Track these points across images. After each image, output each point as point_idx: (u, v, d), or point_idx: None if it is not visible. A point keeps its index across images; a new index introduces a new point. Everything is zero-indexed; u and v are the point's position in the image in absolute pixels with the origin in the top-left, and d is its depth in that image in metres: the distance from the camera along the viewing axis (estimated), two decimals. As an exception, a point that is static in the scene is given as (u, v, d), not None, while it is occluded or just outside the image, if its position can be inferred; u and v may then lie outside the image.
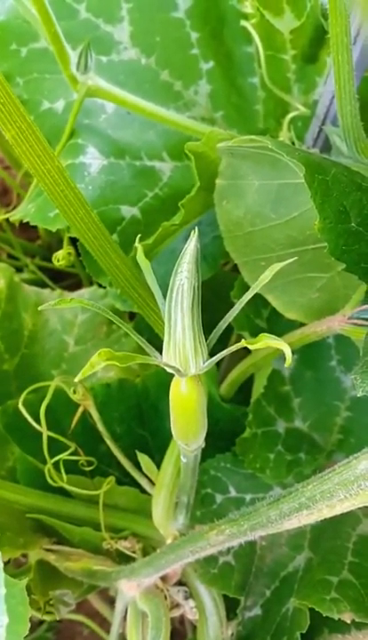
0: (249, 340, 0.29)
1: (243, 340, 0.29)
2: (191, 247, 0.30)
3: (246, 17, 0.49)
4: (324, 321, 0.45)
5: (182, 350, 0.31)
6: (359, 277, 0.39)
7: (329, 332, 0.45)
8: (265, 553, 0.58)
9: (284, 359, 0.62)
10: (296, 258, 0.41)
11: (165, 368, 0.31)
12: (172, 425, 0.35)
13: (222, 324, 0.32)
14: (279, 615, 0.53)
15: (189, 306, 0.30)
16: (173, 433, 0.36)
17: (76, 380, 0.26)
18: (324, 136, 0.48)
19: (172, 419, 0.35)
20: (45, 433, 0.48)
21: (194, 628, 0.56)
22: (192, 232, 0.31)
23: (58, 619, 0.52)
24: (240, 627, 0.54)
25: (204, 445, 0.39)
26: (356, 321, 0.42)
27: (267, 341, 0.27)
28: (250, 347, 0.28)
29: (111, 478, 0.50)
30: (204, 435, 0.37)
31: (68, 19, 0.54)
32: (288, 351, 0.26)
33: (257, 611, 0.55)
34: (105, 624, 0.69)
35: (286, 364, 0.27)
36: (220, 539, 0.42)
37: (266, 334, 0.28)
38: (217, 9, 0.54)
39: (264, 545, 0.58)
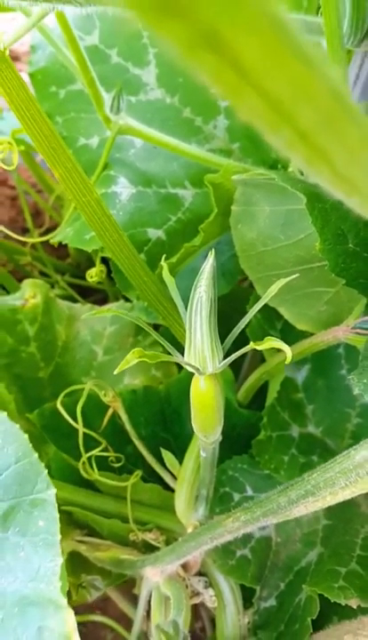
0: (257, 342, 0.35)
1: (251, 342, 0.34)
2: (208, 265, 0.36)
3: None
4: (330, 331, 0.50)
5: (201, 352, 0.37)
6: (359, 292, 0.45)
7: (335, 340, 0.50)
8: (280, 549, 0.63)
9: (298, 369, 0.68)
10: (300, 275, 0.47)
11: (187, 367, 0.37)
12: (192, 419, 0.41)
13: (236, 330, 0.38)
14: (292, 606, 0.58)
15: (207, 315, 0.36)
16: (194, 427, 0.42)
17: (116, 372, 0.32)
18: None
19: (192, 414, 0.41)
20: (81, 430, 0.53)
21: (212, 616, 0.61)
22: (210, 252, 0.37)
23: (89, 600, 0.58)
24: (256, 616, 0.59)
25: (221, 439, 0.44)
26: (358, 330, 0.48)
27: (271, 343, 0.33)
28: (258, 348, 0.34)
29: (138, 472, 0.56)
30: (220, 428, 0.42)
31: (102, 63, 0.61)
32: (288, 350, 0.32)
33: (272, 602, 0.60)
34: (130, 628, 0.74)
35: (286, 362, 0.32)
36: (236, 525, 0.47)
37: (271, 337, 0.34)
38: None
39: (279, 541, 0.63)
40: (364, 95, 0.49)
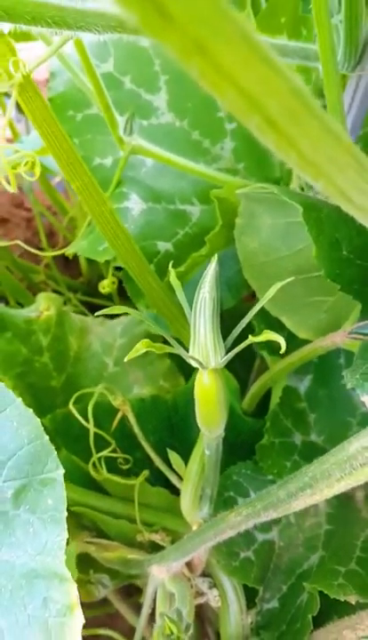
0: (255, 336, 0.38)
1: (250, 336, 0.38)
2: (212, 269, 0.40)
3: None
4: (329, 336, 0.53)
5: (204, 348, 0.40)
6: (353, 297, 0.48)
7: (333, 345, 0.53)
8: (282, 552, 0.65)
9: (301, 379, 0.70)
10: (300, 284, 0.50)
11: (191, 361, 0.40)
12: (196, 414, 0.44)
13: (238, 328, 0.41)
14: (294, 607, 0.60)
15: (210, 313, 0.40)
16: (198, 421, 0.45)
17: (126, 359, 0.35)
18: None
19: (196, 408, 0.44)
20: (92, 429, 0.56)
21: (216, 616, 0.62)
22: (213, 258, 0.41)
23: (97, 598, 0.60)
24: (258, 616, 0.61)
25: (223, 434, 0.47)
26: (354, 335, 0.51)
27: (267, 336, 0.36)
28: (255, 340, 0.37)
29: (145, 472, 0.58)
30: (223, 423, 0.45)
31: (116, 89, 0.66)
32: (282, 341, 0.35)
33: (274, 603, 0.62)
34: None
35: (281, 352, 0.36)
36: (238, 520, 0.50)
37: (267, 330, 0.37)
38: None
39: (282, 545, 0.65)
40: (358, 117, 0.53)
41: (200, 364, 0.40)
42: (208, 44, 0.11)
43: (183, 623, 0.46)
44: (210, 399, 0.42)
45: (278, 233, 0.51)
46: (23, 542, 0.32)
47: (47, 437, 0.33)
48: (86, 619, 0.87)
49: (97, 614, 0.85)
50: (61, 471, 0.32)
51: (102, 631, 0.75)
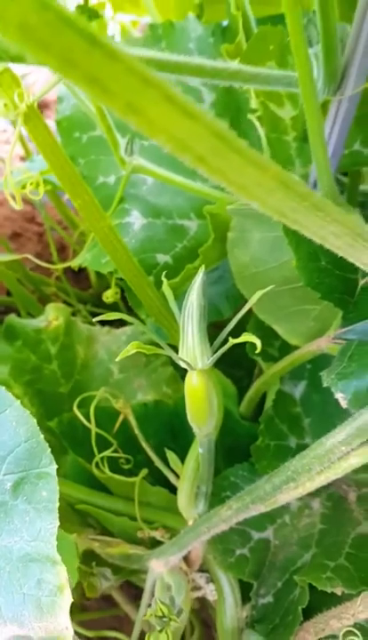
0: (238, 338, 0.42)
1: (230, 339, 0.41)
2: (199, 279, 0.44)
3: (254, 111, 0.65)
4: (315, 342, 0.57)
5: (192, 350, 0.44)
6: (334, 305, 0.52)
7: (319, 350, 0.57)
8: (277, 551, 0.68)
9: (295, 385, 0.74)
10: (288, 293, 0.54)
11: (180, 363, 0.44)
12: (187, 411, 0.48)
13: (227, 329, 0.45)
14: (287, 601, 0.63)
15: (197, 319, 0.44)
16: (189, 419, 0.49)
17: (117, 359, 0.39)
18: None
19: (187, 406, 0.48)
20: (94, 430, 0.61)
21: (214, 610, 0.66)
22: (200, 269, 0.45)
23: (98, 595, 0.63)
24: (254, 611, 0.64)
25: (214, 432, 0.51)
26: (337, 340, 0.54)
27: (246, 337, 0.40)
28: (235, 342, 0.41)
29: (145, 470, 0.62)
30: (212, 421, 0.49)
31: (119, 113, 0.71)
32: (257, 342, 0.39)
33: (269, 598, 0.65)
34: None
35: (257, 351, 0.39)
36: (229, 513, 0.53)
37: (248, 333, 0.41)
38: (235, 102, 0.70)
39: (277, 544, 0.68)
40: (341, 138, 0.57)
41: (189, 365, 0.44)
42: (139, 106, 0.15)
43: (175, 608, 0.50)
44: (198, 398, 0.46)
45: (266, 246, 0.56)
46: (20, 529, 0.35)
47: (42, 436, 0.37)
48: (94, 621, 0.91)
49: (104, 616, 0.88)
50: (54, 466, 0.36)
51: (109, 633, 0.79)
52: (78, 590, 0.66)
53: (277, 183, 0.21)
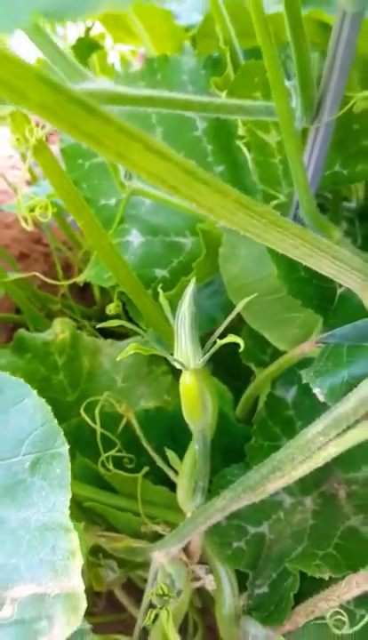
0: (243, 351, 0.48)
1: (217, 340, 0.47)
2: (190, 290, 0.50)
3: (242, 137, 0.71)
4: (300, 347, 0.63)
5: (185, 352, 0.50)
6: (314, 311, 0.58)
7: (303, 354, 0.63)
8: (272, 544, 0.73)
9: (287, 390, 0.80)
10: (275, 302, 0.60)
11: (175, 363, 0.50)
12: (183, 408, 0.54)
13: (217, 332, 0.51)
14: (282, 590, 0.68)
15: (189, 325, 0.50)
16: (184, 414, 0.54)
17: (118, 358, 0.45)
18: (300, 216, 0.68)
19: (182, 403, 0.53)
20: (99, 430, 0.66)
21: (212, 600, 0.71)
22: (191, 281, 0.51)
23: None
24: (250, 600, 0.69)
25: (208, 427, 0.57)
26: (319, 344, 0.60)
27: (231, 338, 0.46)
28: (221, 342, 0.47)
29: (146, 468, 0.68)
30: (206, 416, 0.55)
31: (119, 140, 0.78)
32: (241, 342, 0.45)
33: (265, 589, 0.70)
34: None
35: (240, 350, 0.45)
36: (223, 503, 0.59)
37: (233, 335, 0.47)
38: (225, 129, 0.77)
39: (272, 538, 0.73)
40: (319, 162, 0.64)
41: (182, 365, 0.50)
42: (125, 154, 0.22)
43: (175, 590, 0.55)
44: (191, 395, 0.52)
45: (253, 259, 0.62)
46: (37, 503, 0.41)
47: (56, 421, 0.43)
48: (102, 624, 0.96)
49: (110, 621, 0.93)
50: (66, 447, 0.42)
51: (116, 636, 0.84)
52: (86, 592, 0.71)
53: (238, 205, 0.27)
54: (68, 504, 0.42)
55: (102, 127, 0.20)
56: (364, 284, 0.42)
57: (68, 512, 0.41)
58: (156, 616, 0.59)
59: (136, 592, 0.84)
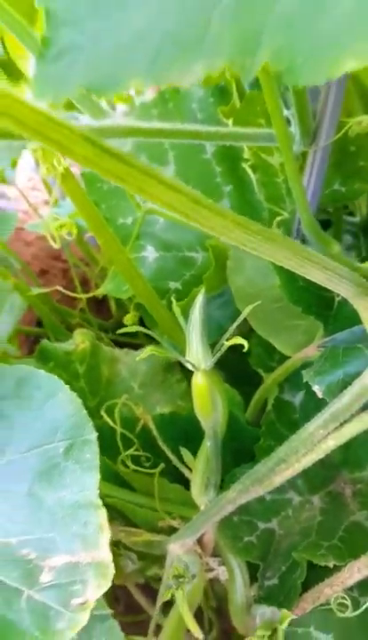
0: (251, 357, 0.54)
1: (226, 342, 0.54)
2: (200, 298, 0.57)
3: (247, 160, 0.78)
4: (303, 351, 0.69)
5: (196, 354, 0.56)
6: (315, 318, 0.64)
7: (306, 358, 0.69)
8: (281, 540, 0.79)
9: (294, 394, 0.86)
10: (279, 310, 0.66)
11: (187, 365, 0.56)
12: (195, 406, 0.60)
13: (226, 335, 0.57)
14: (291, 581, 0.73)
15: (199, 330, 0.56)
16: (196, 412, 0.60)
17: (138, 359, 0.52)
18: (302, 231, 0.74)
19: (194, 401, 0.60)
20: (119, 430, 0.73)
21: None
22: (201, 292, 0.57)
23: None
24: (261, 591, 0.74)
25: (219, 425, 0.63)
26: (321, 349, 0.66)
27: (236, 340, 0.52)
28: (227, 344, 0.53)
29: (162, 465, 0.74)
30: (216, 414, 0.61)
31: (134, 164, 0.85)
32: (245, 343, 0.51)
33: (275, 581, 0.75)
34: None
35: (244, 350, 0.52)
36: (234, 495, 0.64)
37: (238, 337, 0.53)
38: (232, 152, 0.84)
39: (281, 533, 0.79)
40: (318, 182, 0.70)
41: (194, 366, 0.56)
42: (144, 188, 0.28)
43: (189, 572, 0.61)
44: (202, 393, 0.58)
45: (258, 271, 0.68)
46: (70, 484, 0.47)
47: (85, 412, 0.49)
48: (120, 625, 1.01)
49: (130, 621, 0.99)
50: (95, 434, 0.49)
51: (135, 637, 0.89)
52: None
53: (235, 224, 0.34)
54: (98, 484, 0.48)
55: (127, 169, 0.27)
56: (353, 290, 0.48)
57: (97, 491, 0.48)
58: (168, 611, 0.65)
59: (153, 595, 0.90)
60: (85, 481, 0.47)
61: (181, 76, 0.26)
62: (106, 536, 0.45)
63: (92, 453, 0.48)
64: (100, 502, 0.47)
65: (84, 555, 0.43)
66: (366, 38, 0.20)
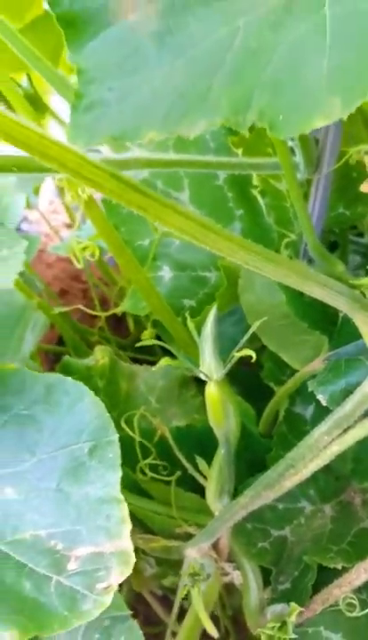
0: (263, 372, 0.59)
1: (235, 354, 0.59)
2: (212, 314, 0.62)
3: (256, 187, 0.84)
4: (311, 364, 0.74)
5: (209, 365, 0.61)
6: (320, 333, 0.69)
7: (314, 371, 0.74)
8: (294, 546, 0.83)
9: (305, 407, 0.92)
10: (287, 326, 0.71)
11: (200, 375, 0.62)
12: (208, 414, 0.65)
13: (237, 347, 0.62)
14: (302, 584, 0.77)
15: (211, 343, 0.62)
16: (209, 420, 0.66)
17: (154, 368, 0.57)
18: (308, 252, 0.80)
19: (207, 410, 0.65)
20: (137, 439, 0.78)
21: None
22: (213, 309, 0.63)
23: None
24: (274, 594, 0.78)
25: (231, 433, 0.67)
26: (327, 362, 0.71)
27: (245, 352, 0.57)
28: (237, 355, 0.58)
29: (178, 473, 0.79)
30: (229, 422, 0.66)
31: (151, 189, 0.91)
32: (253, 354, 0.56)
33: (287, 585, 0.79)
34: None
35: (252, 360, 0.57)
36: (246, 500, 0.69)
37: (249, 350, 0.58)
38: (242, 179, 0.90)
39: (293, 540, 0.83)
40: (322, 207, 0.76)
41: (207, 376, 0.62)
42: (161, 216, 0.34)
43: (205, 571, 0.65)
44: (215, 402, 0.63)
45: (267, 289, 0.74)
46: (94, 481, 0.53)
47: (108, 414, 0.55)
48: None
49: (148, 632, 1.02)
50: (117, 435, 0.54)
51: None
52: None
53: (239, 247, 0.39)
54: (119, 481, 0.53)
55: (148, 201, 0.33)
56: (351, 305, 0.53)
57: (119, 487, 0.53)
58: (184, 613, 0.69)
59: (171, 607, 0.94)
60: (108, 478, 0.52)
61: (189, 129, 0.32)
62: (127, 527, 0.50)
63: (114, 453, 0.53)
64: (121, 497, 0.52)
65: (107, 545, 0.48)
66: (335, 98, 0.25)
